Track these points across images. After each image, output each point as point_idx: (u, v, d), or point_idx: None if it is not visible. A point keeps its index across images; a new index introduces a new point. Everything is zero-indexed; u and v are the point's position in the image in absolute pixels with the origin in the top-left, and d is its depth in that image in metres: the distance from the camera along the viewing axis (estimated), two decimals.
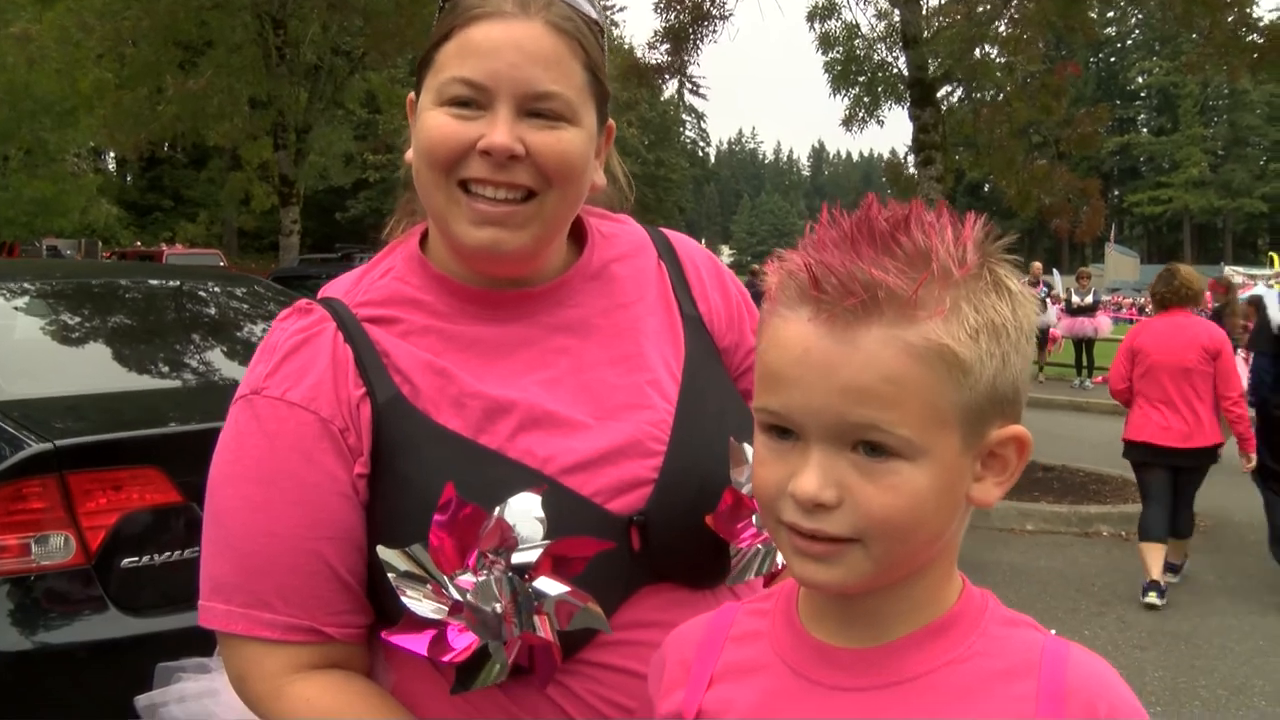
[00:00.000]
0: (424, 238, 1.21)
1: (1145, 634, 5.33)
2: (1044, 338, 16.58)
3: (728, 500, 1.09)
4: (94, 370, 3.52)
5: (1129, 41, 74.65)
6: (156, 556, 2.81)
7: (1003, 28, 10.12)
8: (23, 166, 20.79)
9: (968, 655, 0.81)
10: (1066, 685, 0.78)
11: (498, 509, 0.99)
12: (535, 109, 1.08)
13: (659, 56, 10.23)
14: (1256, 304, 6.92)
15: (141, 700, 1.29)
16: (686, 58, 10.04)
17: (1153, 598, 5.73)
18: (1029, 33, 9.78)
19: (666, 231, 1.33)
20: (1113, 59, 76.50)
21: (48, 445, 2.68)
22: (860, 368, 0.74)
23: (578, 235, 1.24)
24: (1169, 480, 5.93)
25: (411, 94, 1.17)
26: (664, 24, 10.10)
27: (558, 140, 1.09)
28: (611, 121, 1.21)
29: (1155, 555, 5.83)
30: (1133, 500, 6.96)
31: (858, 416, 0.74)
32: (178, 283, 4.45)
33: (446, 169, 1.09)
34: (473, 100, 1.08)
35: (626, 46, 18.77)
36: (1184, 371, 5.75)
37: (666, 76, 10.28)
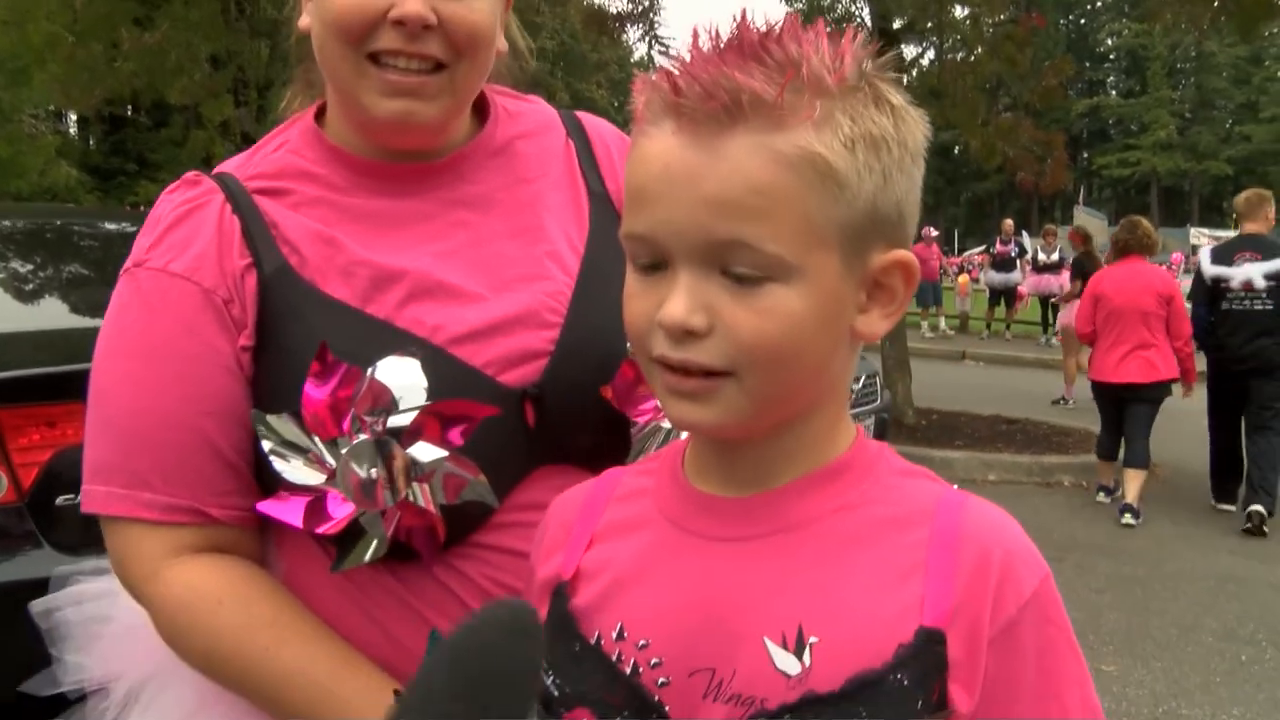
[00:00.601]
0: (320, 112, 1.16)
1: (1103, 579, 5.38)
2: (1011, 296, 16.70)
3: (627, 374, 1.05)
4: (31, 309, 3.43)
5: (1099, 3, 74.69)
6: None
7: None
8: None
9: (859, 502, 0.77)
10: (960, 532, 0.74)
11: (369, 370, 0.95)
12: None
13: (620, 3, 10.04)
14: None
15: (37, 605, 1.25)
16: (650, 7, 9.83)
17: (1128, 519, 6.31)
18: None
19: (579, 113, 1.28)
20: (1083, 20, 76.49)
21: None
22: (725, 177, 0.68)
23: (480, 111, 1.19)
24: (1121, 413, 6.57)
25: None
26: None
27: (469, 10, 1.04)
28: None
29: (1105, 469, 6.89)
30: (1093, 451, 7.15)
31: (725, 232, 0.69)
32: (134, 228, 4.35)
33: (357, 41, 1.03)
34: None
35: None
36: (1142, 314, 6.39)
37: (628, 25, 10.07)
